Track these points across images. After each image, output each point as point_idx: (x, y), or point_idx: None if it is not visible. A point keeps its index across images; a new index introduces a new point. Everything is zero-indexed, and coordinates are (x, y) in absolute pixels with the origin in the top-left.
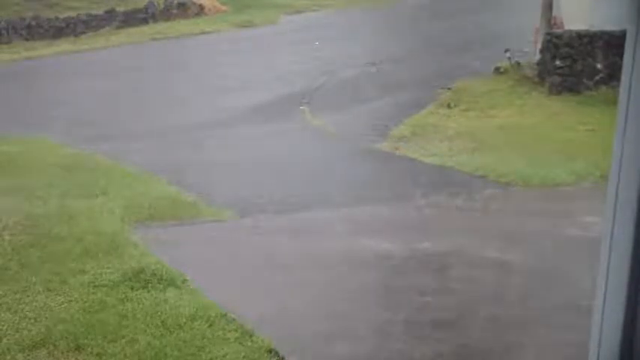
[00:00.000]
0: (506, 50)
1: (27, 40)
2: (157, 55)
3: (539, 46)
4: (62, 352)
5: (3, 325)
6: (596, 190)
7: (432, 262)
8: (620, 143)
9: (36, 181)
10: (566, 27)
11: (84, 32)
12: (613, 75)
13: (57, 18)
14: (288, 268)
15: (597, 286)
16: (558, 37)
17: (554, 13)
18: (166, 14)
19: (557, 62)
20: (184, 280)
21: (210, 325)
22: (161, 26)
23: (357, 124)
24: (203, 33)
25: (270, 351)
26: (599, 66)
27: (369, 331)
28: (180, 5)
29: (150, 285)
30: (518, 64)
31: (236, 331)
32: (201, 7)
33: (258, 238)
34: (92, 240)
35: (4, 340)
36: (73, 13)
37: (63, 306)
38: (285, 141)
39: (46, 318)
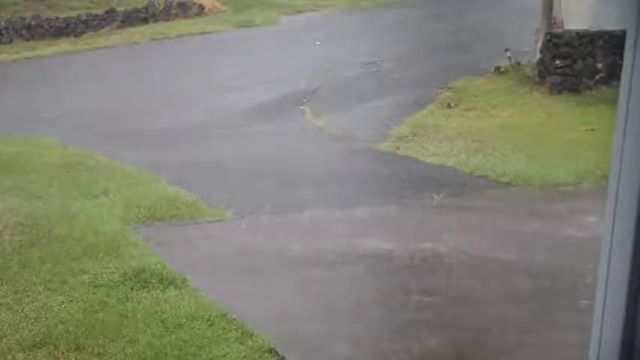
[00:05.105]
0: (507, 50)
1: (27, 40)
2: (157, 54)
3: (539, 45)
4: (62, 352)
5: (3, 325)
6: (597, 190)
7: (433, 262)
8: (621, 143)
9: (36, 181)
10: (566, 27)
11: (84, 32)
12: (613, 75)
13: (57, 18)
14: (288, 268)
15: (597, 286)
16: (558, 36)
17: (555, 13)
18: (166, 14)
19: (558, 62)
20: (184, 280)
21: (211, 325)
22: (161, 26)
23: (358, 124)
24: (203, 33)
25: (270, 351)
26: (599, 66)
27: (368, 331)
28: (181, 5)
29: (150, 285)
30: (519, 63)
31: (236, 330)
32: (202, 7)
33: (258, 238)
34: (92, 240)
35: (5, 340)
36: (73, 13)
37: (63, 306)
38: (286, 141)
39: (46, 318)
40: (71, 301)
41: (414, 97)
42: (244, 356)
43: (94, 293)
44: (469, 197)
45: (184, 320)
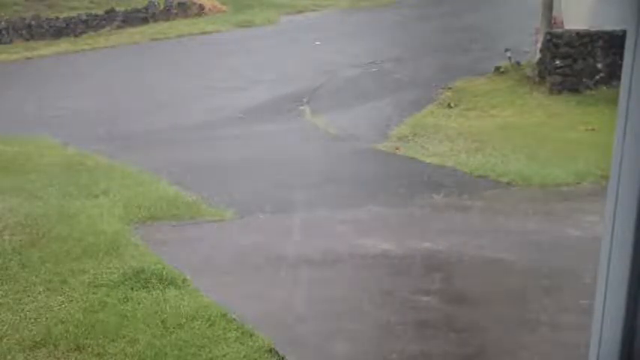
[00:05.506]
0: (507, 50)
1: (27, 40)
2: (157, 55)
3: (539, 45)
4: (62, 352)
5: (3, 325)
6: (597, 190)
7: (432, 262)
8: (621, 143)
9: (36, 181)
10: (566, 27)
11: (84, 32)
12: (613, 74)
13: (57, 18)
14: (288, 268)
15: (597, 286)
16: (558, 36)
17: (555, 13)
18: (166, 14)
19: (558, 62)
20: (184, 280)
21: (211, 325)
22: (161, 26)
23: (358, 124)
24: (203, 33)
25: (270, 351)
26: (599, 66)
27: (368, 331)
28: (181, 5)
29: (150, 285)
30: (519, 63)
31: (236, 330)
32: (202, 7)
33: (258, 238)
34: (92, 240)
35: (4, 340)
36: (73, 13)
37: (63, 306)
38: (286, 141)
39: (47, 318)
40: (71, 301)
41: (414, 97)
42: (244, 356)
43: (94, 293)
44: (469, 197)
45: (184, 320)
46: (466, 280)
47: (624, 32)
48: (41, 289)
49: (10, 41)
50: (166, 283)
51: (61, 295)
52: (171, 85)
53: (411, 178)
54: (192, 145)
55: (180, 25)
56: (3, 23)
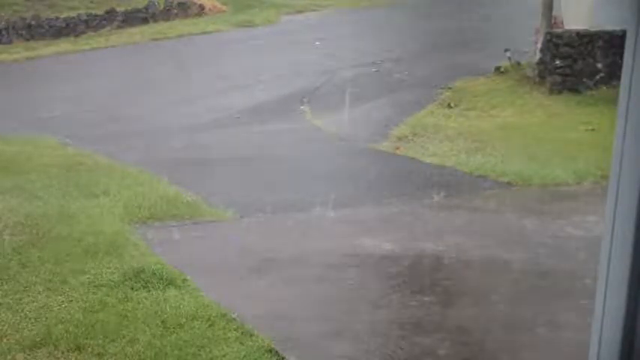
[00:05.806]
0: (506, 50)
1: (27, 40)
2: (157, 55)
3: (539, 45)
4: (62, 352)
5: (3, 325)
6: (597, 190)
7: (433, 262)
8: (621, 143)
9: (36, 181)
10: (566, 27)
11: (84, 32)
12: (613, 75)
13: (57, 18)
14: (288, 268)
15: (597, 286)
16: (558, 36)
17: (555, 13)
18: (166, 14)
19: (558, 62)
20: (184, 280)
21: (211, 325)
22: (161, 26)
23: (358, 124)
24: (203, 33)
25: (270, 351)
26: (599, 66)
27: (368, 331)
28: (181, 5)
29: (150, 285)
30: (519, 63)
31: (236, 330)
32: (202, 7)
33: (258, 238)
34: (92, 240)
35: (4, 340)
36: (73, 13)
37: (63, 306)
38: (285, 141)
39: (47, 318)
40: (71, 301)
41: (414, 97)
42: (244, 356)
43: (94, 293)
44: (469, 197)
45: (184, 320)
46: (466, 280)
47: (624, 32)
48: (41, 289)
49: (10, 41)
50: (166, 283)
51: (61, 295)
52: (169, 86)
53: (411, 178)
54: (192, 144)
55: (181, 25)
56: (3, 23)
